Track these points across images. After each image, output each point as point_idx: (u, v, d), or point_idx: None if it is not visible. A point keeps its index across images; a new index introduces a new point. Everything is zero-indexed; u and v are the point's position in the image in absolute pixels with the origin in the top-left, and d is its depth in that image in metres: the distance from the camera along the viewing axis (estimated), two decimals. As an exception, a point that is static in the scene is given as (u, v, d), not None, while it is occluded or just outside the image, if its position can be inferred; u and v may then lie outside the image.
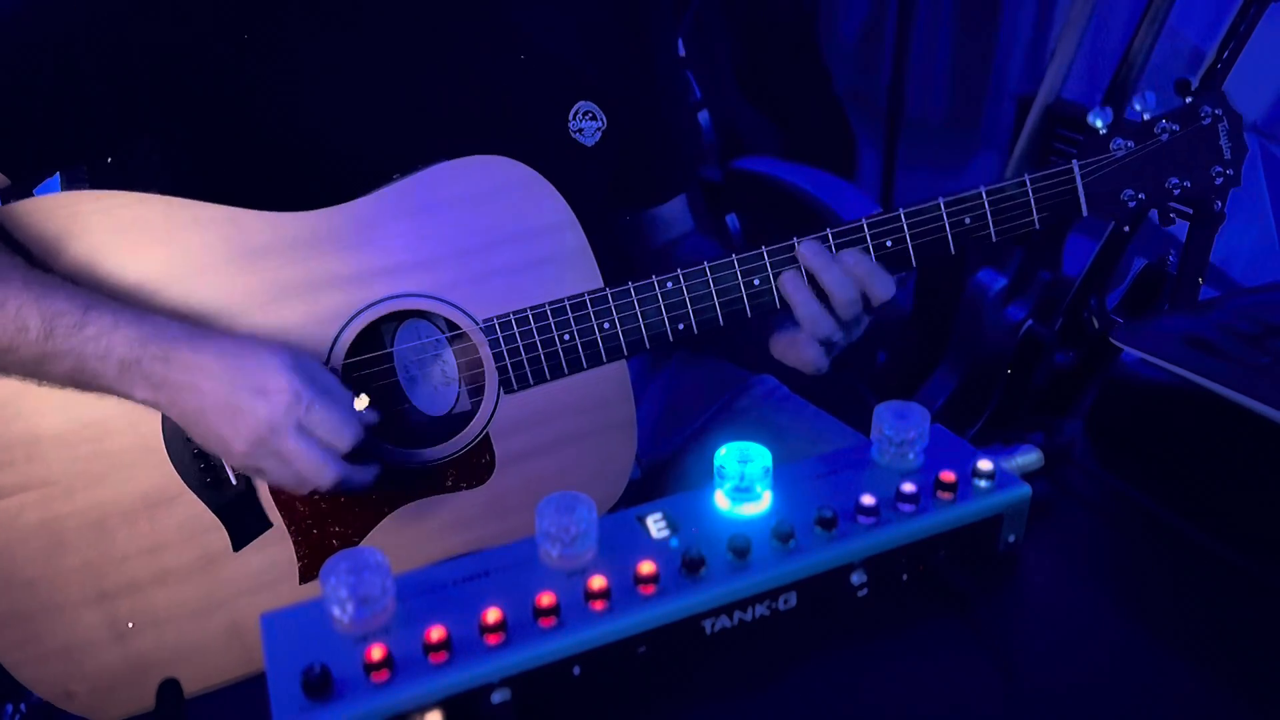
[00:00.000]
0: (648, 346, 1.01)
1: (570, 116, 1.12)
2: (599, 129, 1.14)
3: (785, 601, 0.70)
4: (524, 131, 1.10)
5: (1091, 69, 2.32)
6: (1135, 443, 0.94)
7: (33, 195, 0.94)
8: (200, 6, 0.95)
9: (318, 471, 0.88)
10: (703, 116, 2.31)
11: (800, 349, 1.03)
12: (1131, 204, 1.01)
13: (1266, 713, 0.65)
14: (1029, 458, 0.85)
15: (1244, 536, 0.81)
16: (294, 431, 0.86)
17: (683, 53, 2.27)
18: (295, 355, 0.88)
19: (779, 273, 0.99)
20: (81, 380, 0.87)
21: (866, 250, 0.99)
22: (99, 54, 0.92)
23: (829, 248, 0.99)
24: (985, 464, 0.75)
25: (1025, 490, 0.75)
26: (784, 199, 2.18)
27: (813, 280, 0.99)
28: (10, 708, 1.09)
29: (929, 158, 3.05)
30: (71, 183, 1.27)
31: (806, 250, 0.98)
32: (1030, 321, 1.92)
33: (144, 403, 0.89)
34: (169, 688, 0.66)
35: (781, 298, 1.00)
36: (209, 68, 0.96)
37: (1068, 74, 2.01)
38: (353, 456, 0.90)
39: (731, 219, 2.13)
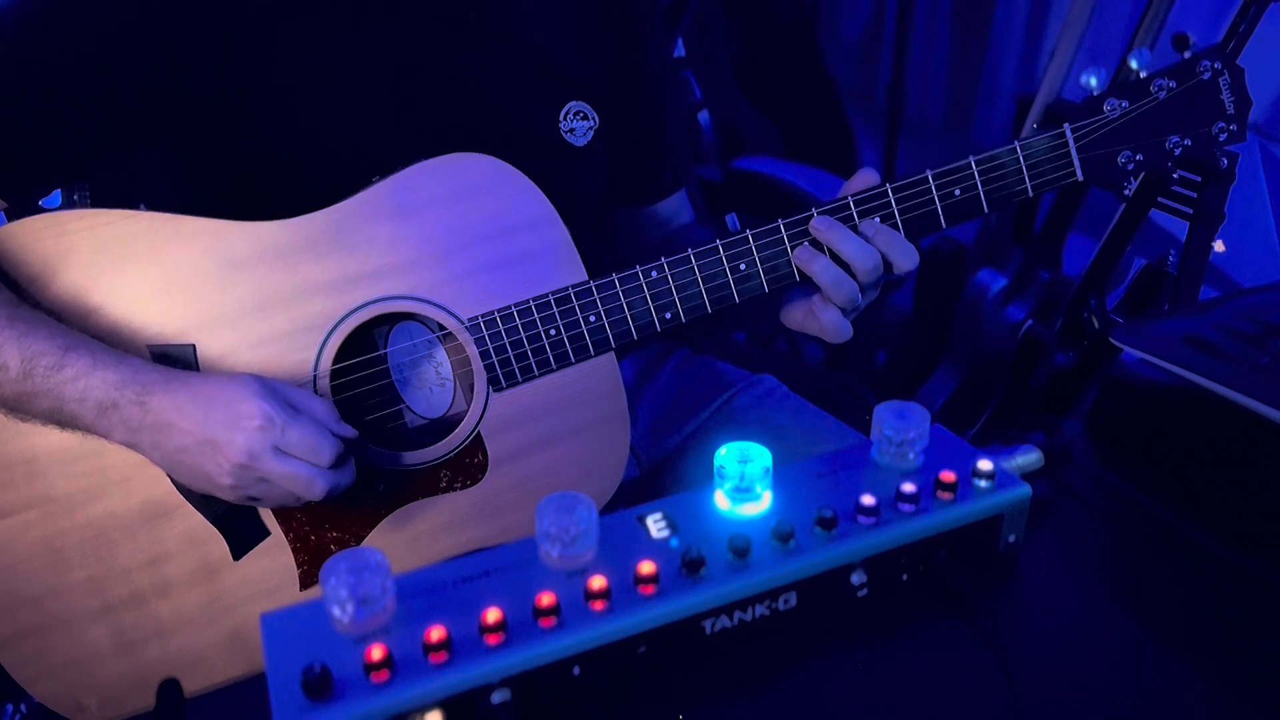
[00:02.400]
0: (635, 337, 1.00)
1: (561, 117, 1.12)
2: (590, 129, 1.14)
3: (785, 601, 0.70)
4: (514, 132, 1.09)
5: (1093, 69, 2.32)
6: (1135, 443, 0.94)
7: (40, 211, 0.95)
8: (187, 13, 0.94)
9: (306, 487, 0.88)
10: (703, 116, 2.31)
11: (819, 315, 1.01)
12: (1129, 166, 0.98)
13: (1266, 713, 0.65)
14: (1029, 458, 0.85)
15: (1244, 536, 0.81)
16: (273, 455, 0.86)
17: (683, 53, 2.27)
18: (262, 380, 0.89)
19: (795, 246, 0.98)
20: (61, 420, 0.88)
21: (891, 219, 0.98)
22: (88, 70, 0.92)
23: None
24: (985, 464, 0.75)
25: (1025, 490, 0.75)
26: (784, 198, 2.18)
27: (831, 253, 0.97)
28: (10, 708, 1.09)
29: (929, 158, 3.04)
30: (72, 193, 1.27)
31: (820, 224, 0.97)
32: (1030, 321, 1.92)
33: (123, 444, 0.89)
34: (169, 687, 0.66)
35: (799, 269, 0.98)
36: (198, 75, 0.96)
37: (1068, 74, 2.01)
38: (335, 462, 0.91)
39: (731, 218, 2.13)
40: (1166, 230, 1.86)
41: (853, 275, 0.97)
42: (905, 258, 0.98)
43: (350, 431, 0.92)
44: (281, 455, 0.87)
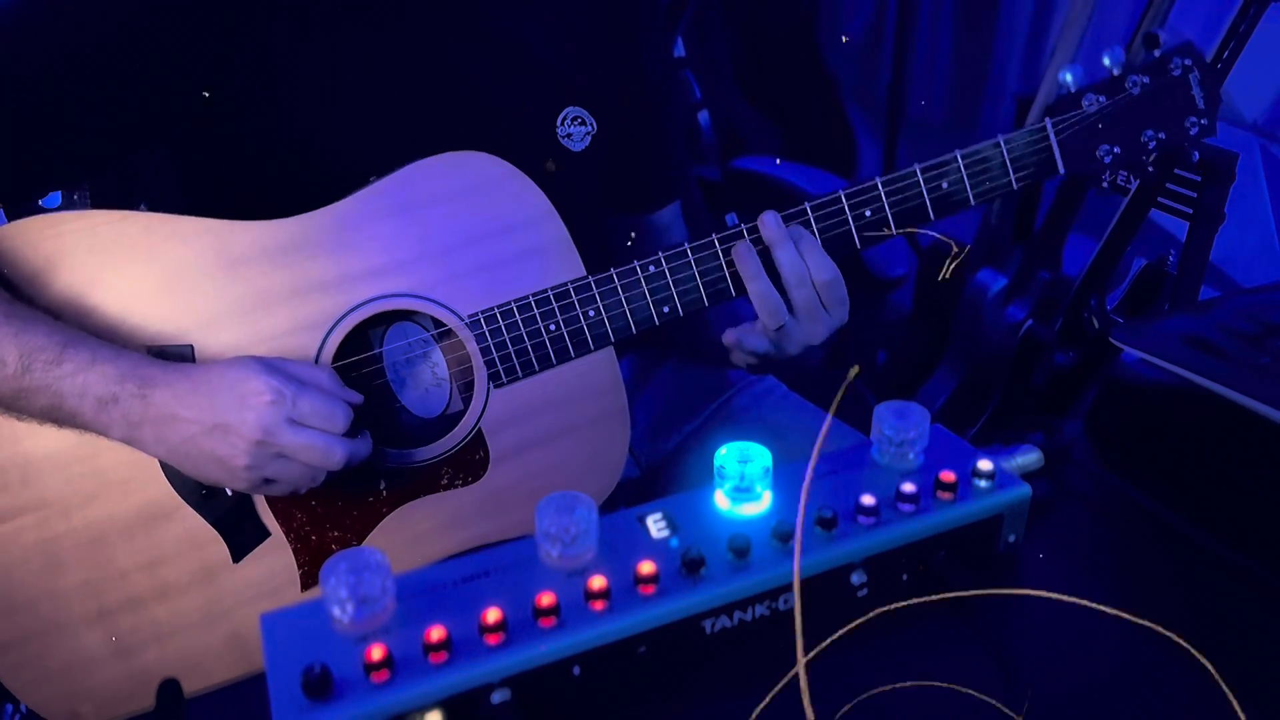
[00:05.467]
0: (634, 332, 1.01)
1: (559, 122, 1.12)
2: (588, 134, 1.14)
3: (785, 601, 0.70)
4: (511, 136, 1.09)
5: (1092, 69, 2.32)
6: (1135, 443, 0.94)
7: (39, 211, 0.95)
8: (185, 18, 0.94)
9: (325, 456, 0.88)
10: (703, 116, 2.31)
11: (746, 337, 1.03)
12: (1107, 159, 1.01)
13: (1266, 713, 0.65)
14: (1029, 458, 0.85)
15: (1244, 536, 0.81)
16: (288, 427, 0.86)
17: (683, 53, 2.27)
18: (261, 359, 0.89)
19: (733, 246, 0.99)
20: (59, 416, 0.87)
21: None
22: (87, 72, 0.92)
23: (806, 221, 0.99)
24: (985, 464, 0.75)
25: (1025, 490, 0.75)
26: (784, 198, 2.18)
27: (767, 257, 0.98)
28: (10, 708, 1.09)
29: (930, 157, 3.04)
30: (72, 193, 1.27)
31: (769, 219, 0.98)
32: (1030, 321, 1.92)
33: (122, 440, 0.88)
34: (169, 687, 0.66)
35: (737, 272, 0.99)
36: (197, 77, 0.96)
37: (1067, 74, 2.01)
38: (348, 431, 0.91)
39: (731, 218, 2.13)
40: (1166, 230, 1.86)
41: (782, 287, 0.98)
42: (818, 269, 0.98)
43: (355, 396, 0.92)
44: (296, 426, 0.87)
